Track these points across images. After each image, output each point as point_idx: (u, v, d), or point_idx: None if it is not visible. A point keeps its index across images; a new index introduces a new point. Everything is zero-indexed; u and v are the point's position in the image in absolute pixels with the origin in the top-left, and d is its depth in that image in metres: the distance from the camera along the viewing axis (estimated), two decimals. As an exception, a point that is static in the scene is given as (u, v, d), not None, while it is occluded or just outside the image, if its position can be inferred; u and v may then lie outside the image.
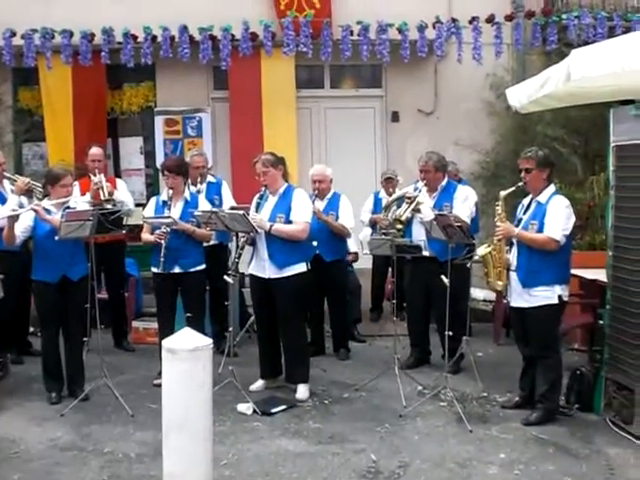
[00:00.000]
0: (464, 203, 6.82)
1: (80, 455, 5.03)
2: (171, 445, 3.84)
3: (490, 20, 9.50)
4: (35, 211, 5.98)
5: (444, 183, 6.94)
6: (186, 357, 3.77)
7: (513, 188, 5.69)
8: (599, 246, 7.99)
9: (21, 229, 6.03)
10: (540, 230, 5.41)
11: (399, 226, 6.79)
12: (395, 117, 10.59)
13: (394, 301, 6.78)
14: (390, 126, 10.62)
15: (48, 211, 6.04)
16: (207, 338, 3.92)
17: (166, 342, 3.85)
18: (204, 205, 6.61)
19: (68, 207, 6.13)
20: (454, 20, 9.43)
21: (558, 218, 5.37)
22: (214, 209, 6.34)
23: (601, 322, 5.71)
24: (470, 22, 9.43)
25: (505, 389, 6.27)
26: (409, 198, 6.77)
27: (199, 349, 3.80)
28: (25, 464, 4.87)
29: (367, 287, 8.98)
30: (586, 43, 8.50)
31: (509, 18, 9.63)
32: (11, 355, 7.28)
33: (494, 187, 8.93)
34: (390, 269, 7.74)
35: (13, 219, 5.96)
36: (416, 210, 6.69)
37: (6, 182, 7.36)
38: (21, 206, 6.56)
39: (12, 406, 6.07)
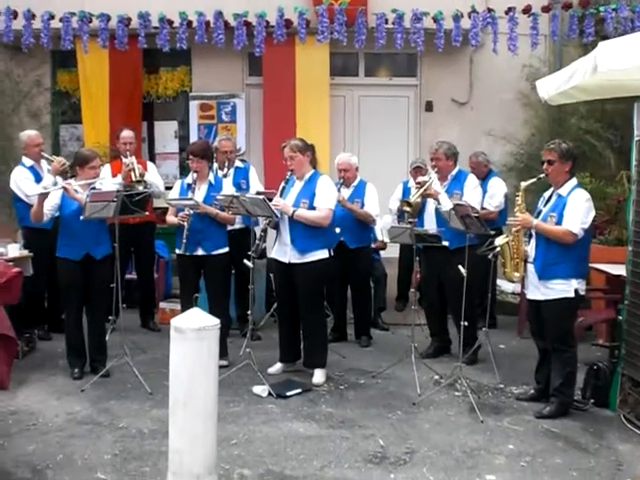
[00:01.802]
0: (474, 190, 6.83)
1: (95, 429, 5.16)
2: (177, 422, 3.92)
3: (527, 11, 9.39)
4: (65, 189, 6.12)
5: (455, 172, 6.95)
6: (193, 336, 3.83)
7: (534, 179, 5.67)
8: (627, 241, 7.89)
9: (49, 207, 6.18)
10: (559, 223, 5.38)
11: (407, 209, 6.81)
12: (429, 107, 10.56)
13: (412, 290, 6.81)
14: (424, 115, 10.59)
15: (76, 191, 6.18)
16: (214, 318, 3.97)
17: (174, 321, 3.92)
18: (228, 189, 6.69)
19: (94, 188, 6.26)
20: (490, 10, 9.35)
21: (577, 211, 5.34)
22: (235, 193, 6.41)
23: (620, 317, 5.68)
24: (506, 12, 9.34)
25: (522, 381, 6.28)
26: (419, 183, 6.81)
27: (206, 329, 3.87)
28: (41, 436, 5.02)
29: (394, 276, 9.00)
30: (622, 36, 8.39)
31: (546, 9, 9.52)
32: (39, 331, 7.47)
33: (527, 179, 8.88)
34: (417, 258, 7.78)
35: (44, 196, 6.11)
36: (425, 195, 6.69)
37: (44, 162, 7.57)
38: (55, 184, 6.72)
39: (35, 380, 6.24)
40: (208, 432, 3.93)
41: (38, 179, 7.30)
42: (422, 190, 6.75)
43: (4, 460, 4.59)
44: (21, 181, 7.29)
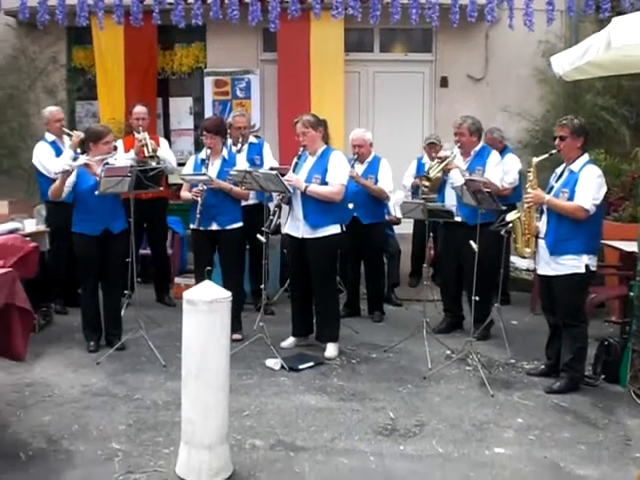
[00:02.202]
0: (496, 167, 6.80)
1: (110, 401, 5.26)
2: (189, 393, 4.00)
3: (543, -15, 9.31)
4: (87, 165, 6.18)
5: (478, 148, 6.92)
6: (205, 309, 3.90)
7: (546, 155, 5.67)
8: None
9: (67, 184, 6.24)
10: (571, 198, 5.38)
11: (426, 183, 6.83)
12: (444, 82, 10.55)
13: (424, 265, 6.85)
14: (439, 91, 10.58)
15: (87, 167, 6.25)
16: (226, 291, 4.03)
17: (187, 294, 3.99)
18: (242, 165, 6.73)
19: (107, 163, 6.31)
20: (506, -15, 9.28)
21: (589, 187, 5.33)
22: (248, 169, 6.45)
23: (631, 294, 5.69)
24: (522, -13, 9.27)
25: (534, 357, 6.30)
26: (440, 158, 6.79)
27: (217, 301, 3.93)
28: (56, 407, 5.11)
29: (408, 252, 9.03)
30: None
31: (563, -16, 9.43)
32: (56, 305, 7.58)
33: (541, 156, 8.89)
34: (431, 234, 7.81)
35: (67, 174, 6.17)
36: (446, 170, 6.70)
37: (66, 138, 7.64)
38: (75, 160, 6.77)
39: (52, 353, 6.35)
40: (220, 403, 4.00)
41: (59, 153, 7.42)
42: (443, 165, 6.75)
43: (20, 430, 4.69)
44: (43, 156, 7.41)
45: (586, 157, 5.53)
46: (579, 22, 9.77)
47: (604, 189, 5.44)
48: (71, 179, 6.28)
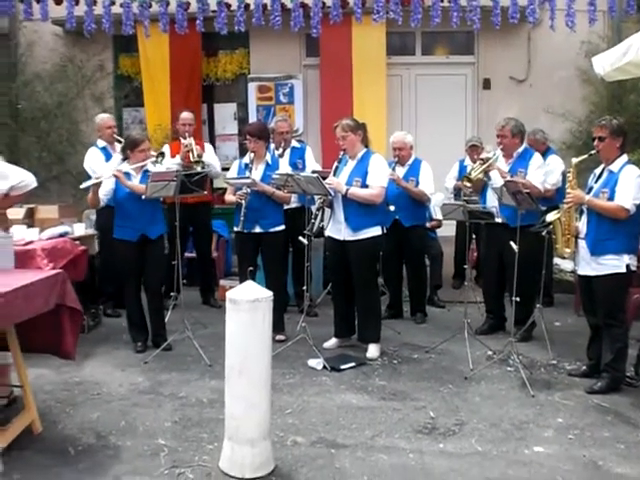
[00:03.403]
0: (538, 170, 6.79)
1: (157, 398, 5.40)
2: (232, 389, 4.11)
3: (585, -14, 9.28)
4: (116, 177, 6.36)
5: (521, 149, 6.91)
6: (247, 307, 4.01)
7: (585, 155, 5.67)
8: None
9: (104, 192, 6.44)
10: (611, 198, 5.38)
11: (467, 184, 6.86)
12: (487, 84, 10.58)
13: (467, 267, 6.89)
14: (481, 93, 10.62)
15: (128, 174, 6.44)
16: (267, 291, 4.13)
17: (229, 293, 4.10)
18: (285, 169, 6.84)
19: (147, 171, 6.48)
20: (547, -14, 9.27)
21: (629, 187, 5.32)
22: (290, 172, 6.56)
23: (674, 294, 5.67)
24: (564, -12, 9.25)
25: (576, 358, 6.29)
26: (482, 159, 6.82)
27: (259, 300, 4.03)
28: (105, 404, 5.28)
29: (450, 254, 9.06)
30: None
31: (604, -15, 9.39)
32: (107, 308, 7.78)
33: (584, 156, 8.87)
34: (474, 236, 7.83)
35: (97, 186, 6.35)
36: (487, 172, 6.72)
37: (117, 145, 7.85)
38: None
39: (101, 353, 6.54)
40: (262, 399, 4.10)
41: (109, 159, 7.59)
42: (484, 166, 6.77)
43: (70, 426, 4.85)
44: (94, 161, 7.65)
45: (625, 157, 5.51)
46: (621, 22, 9.71)
47: (645, 189, 5.42)
48: (108, 187, 6.47)
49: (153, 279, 6.61)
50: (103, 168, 7.12)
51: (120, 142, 7.70)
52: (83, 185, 6.64)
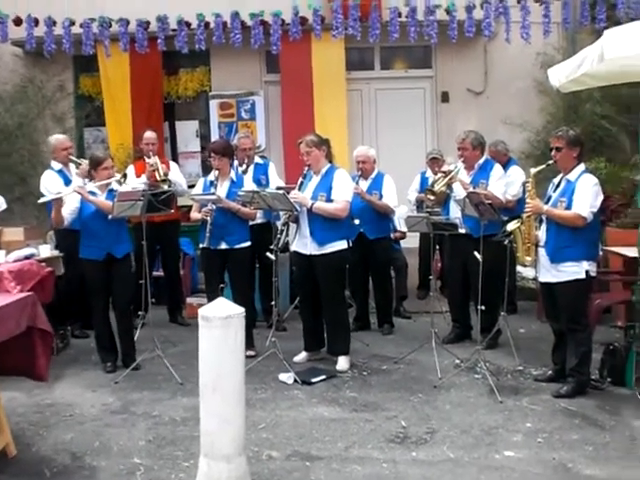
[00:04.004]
0: (499, 181, 6.95)
1: (129, 418, 5.40)
2: (207, 406, 4.13)
3: (538, -1, 9.51)
4: (79, 193, 6.36)
5: (482, 161, 7.06)
6: (219, 324, 4.03)
7: (543, 166, 5.82)
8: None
9: (69, 211, 6.43)
10: (569, 207, 5.53)
11: (431, 197, 6.98)
12: (445, 97, 10.75)
13: (431, 277, 7.00)
14: (440, 106, 10.79)
15: (94, 193, 6.45)
16: (239, 307, 4.17)
17: (202, 310, 4.13)
18: (249, 185, 6.90)
19: (112, 189, 6.49)
20: (502, 0, 9.46)
21: (586, 195, 5.48)
22: (256, 189, 6.63)
23: (634, 298, 5.82)
24: (518, 1, 9.44)
25: (541, 363, 6.41)
26: (444, 172, 6.95)
27: (231, 317, 4.06)
28: (78, 425, 5.27)
29: (415, 265, 9.16)
30: (634, 21, 8.47)
31: (557, -3, 9.62)
32: (75, 330, 7.74)
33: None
34: (437, 247, 7.95)
35: (59, 202, 6.34)
36: (450, 184, 6.85)
37: (72, 166, 7.79)
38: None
39: (71, 375, 6.51)
40: (237, 415, 4.13)
41: (66, 182, 7.48)
42: (447, 179, 6.90)
43: (44, 448, 4.84)
44: (50, 185, 7.46)
45: (582, 167, 5.68)
46: (576, 33, 9.93)
47: (601, 197, 5.58)
48: (73, 206, 6.46)
49: (121, 298, 6.60)
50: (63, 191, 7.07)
51: (77, 164, 7.65)
52: (41, 200, 6.64)
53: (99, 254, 6.45)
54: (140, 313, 7.10)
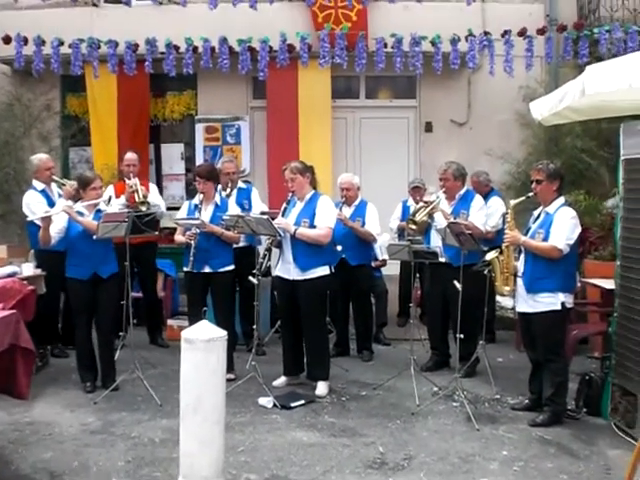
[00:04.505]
0: (479, 211, 7.05)
1: (108, 439, 5.42)
2: (187, 427, 4.17)
3: (522, 34, 9.69)
4: (67, 212, 6.40)
5: (462, 192, 7.17)
6: (202, 347, 4.09)
7: (522, 198, 5.93)
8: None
9: (56, 230, 6.46)
10: (546, 239, 5.64)
11: (412, 227, 7.06)
12: (428, 127, 10.88)
13: (411, 305, 7.07)
14: (423, 136, 10.92)
15: (81, 213, 6.49)
16: (222, 330, 4.23)
17: (184, 333, 4.19)
18: (234, 209, 6.96)
19: (100, 210, 6.54)
20: (486, 33, 9.65)
21: (563, 228, 5.59)
22: (241, 214, 6.70)
23: (610, 329, 5.91)
24: (502, 35, 9.63)
25: (518, 392, 6.47)
26: (426, 202, 7.05)
27: (214, 340, 4.13)
28: (57, 444, 5.28)
29: (395, 292, 9.23)
30: (616, 57, 8.66)
31: (541, 32, 9.80)
32: (54, 349, 7.73)
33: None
34: (417, 275, 8.01)
35: (47, 221, 6.38)
36: (431, 214, 6.94)
37: (54, 185, 7.80)
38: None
39: (50, 393, 6.50)
40: (216, 437, 4.17)
41: (49, 202, 7.48)
42: (429, 209, 6.99)
43: (23, 467, 4.85)
44: (33, 205, 7.42)
45: (562, 200, 5.79)
46: (558, 67, 10.11)
47: (578, 230, 5.69)
48: (61, 225, 6.49)
49: (105, 318, 6.63)
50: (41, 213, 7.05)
51: (60, 184, 7.66)
52: (31, 218, 6.66)
53: (85, 273, 6.48)
54: (121, 334, 7.11)
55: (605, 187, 9.39)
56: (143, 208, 7.52)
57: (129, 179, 7.90)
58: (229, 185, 7.89)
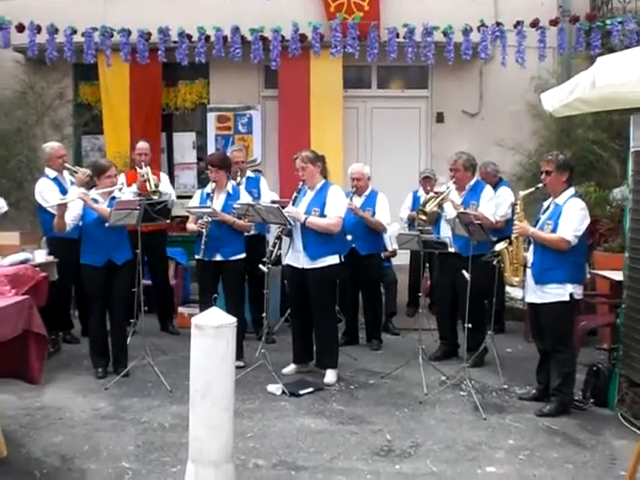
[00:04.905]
0: (489, 202, 7.07)
1: (119, 423, 5.50)
2: (196, 412, 4.21)
3: (535, 24, 9.66)
4: (82, 199, 6.46)
5: (472, 182, 7.19)
6: (211, 333, 4.13)
7: (532, 189, 5.95)
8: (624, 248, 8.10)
9: (71, 217, 6.53)
10: (554, 230, 5.65)
11: (422, 217, 7.09)
12: (440, 118, 10.88)
13: (420, 295, 7.10)
14: (435, 126, 10.92)
15: (96, 200, 6.55)
16: (231, 317, 4.27)
17: (195, 319, 4.22)
18: (245, 198, 7.00)
19: (114, 197, 6.60)
20: (499, 24, 9.63)
21: (572, 219, 5.60)
22: (251, 202, 6.74)
23: (618, 321, 5.94)
24: (515, 26, 9.61)
25: (526, 383, 6.51)
26: (436, 193, 7.07)
27: (223, 326, 4.16)
28: (68, 429, 5.36)
29: (405, 282, 9.27)
30: (628, 48, 8.63)
31: (553, 23, 9.77)
32: (66, 336, 7.82)
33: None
34: (427, 265, 8.04)
35: (63, 208, 6.44)
36: (441, 205, 6.96)
37: (66, 173, 7.86)
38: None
39: (62, 379, 6.59)
40: (225, 423, 4.21)
41: (62, 190, 7.53)
42: (438, 200, 7.02)
43: (35, 450, 4.93)
44: (46, 193, 7.49)
45: (571, 191, 5.80)
46: (570, 59, 10.07)
47: (587, 221, 5.70)
48: (75, 212, 6.56)
49: (118, 305, 6.71)
50: (56, 200, 7.11)
51: (72, 172, 7.72)
52: (48, 204, 6.72)
53: (99, 260, 6.55)
54: (132, 321, 7.18)
55: (616, 179, 9.37)
56: (155, 197, 7.57)
57: (141, 168, 7.95)
58: (239, 174, 7.93)
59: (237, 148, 8.38)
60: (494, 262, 6.32)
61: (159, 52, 9.67)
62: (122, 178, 7.95)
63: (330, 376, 6.61)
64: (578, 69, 9.72)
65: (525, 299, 6.09)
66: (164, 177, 8.53)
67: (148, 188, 7.79)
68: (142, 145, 8.17)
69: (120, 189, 6.73)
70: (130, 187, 7.90)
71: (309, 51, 9.82)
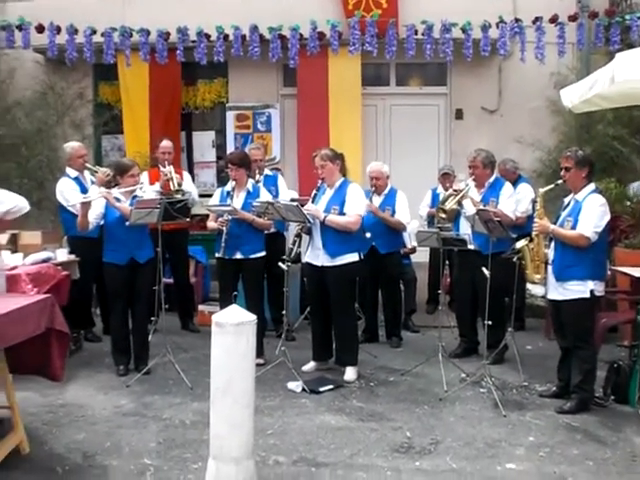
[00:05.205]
0: (509, 199, 7.04)
1: (140, 420, 5.54)
2: (217, 409, 4.24)
3: (554, 20, 9.63)
4: (105, 198, 6.51)
5: (492, 179, 7.17)
6: (232, 330, 4.16)
7: (551, 185, 5.93)
8: (648, 245, 8.07)
9: (94, 216, 6.58)
10: (574, 227, 5.62)
11: (442, 215, 7.09)
12: (459, 114, 10.86)
13: (440, 292, 7.09)
14: (454, 123, 10.90)
15: (118, 199, 6.59)
16: (251, 314, 4.30)
17: (215, 316, 4.26)
18: (265, 196, 7.02)
19: (136, 196, 6.65)
20: (517, 20, 9.59)
21: (591, 216, 5.57)
22: (271, 200, 6.76)
23: (639, 317, 5.91)
24: (533, 22, 9.58)
25: (547, 380, 6.48)
26: (456, 190, 7.06)
27: (243, 324, 4.19)
28: (90, 426, 5.41)
29: (424, 280, 9.26)
30: (649, 44, 8.60)
31: (572, 18, 9.71)
32: (88, 334, 7.90)
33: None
34: (447, 262, 8.04)
35: (86, 207, 6.49)
36: (460, 202, 6.95)
37: (87, 173, 7.93)
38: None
39: (83, 376, 6.65)
40: (246, 420, 4.24)
41: (83, 189, 7.59)
42: (458, 197, 7.01)
43: (57, 447, 4.98)
44: (67, 192, 7.59)
45: (591, 187, 5.76)
46: (590, 54, 10.01)
47: (607, 217, 5.65)
48: (98, 211, 6.61)
49: (141, 302, 6.75)
50: (78, 199, 7.15)
51: (93, 171, 7.78)
52: (70, 203, 6.77)
53: (122, 258, 6.61)
54: (153, 319, 7.24)
55: (636, 175, 9.33)
56: (178, 196, 7.60)
57: (164, 166, 8.00)
58: (257, 172, 7.96)
59: (255, 146, 8.41)
60: (514, 259, 6.30)
61: (178, 52, 9.72)
62: (145, 177, 8.03)
63: (350, 373, 6.62)
64: (597, 65, 9.68)
65: (547, 296, 6.06)
66: (187, 176, 8.59)
67: (171, 187, 7.83)
68: (166, 144, 8.22)
69: (141, 188, 6.77)
70: (153, 185, 7.94)
71: (327, 49, 9.85)
